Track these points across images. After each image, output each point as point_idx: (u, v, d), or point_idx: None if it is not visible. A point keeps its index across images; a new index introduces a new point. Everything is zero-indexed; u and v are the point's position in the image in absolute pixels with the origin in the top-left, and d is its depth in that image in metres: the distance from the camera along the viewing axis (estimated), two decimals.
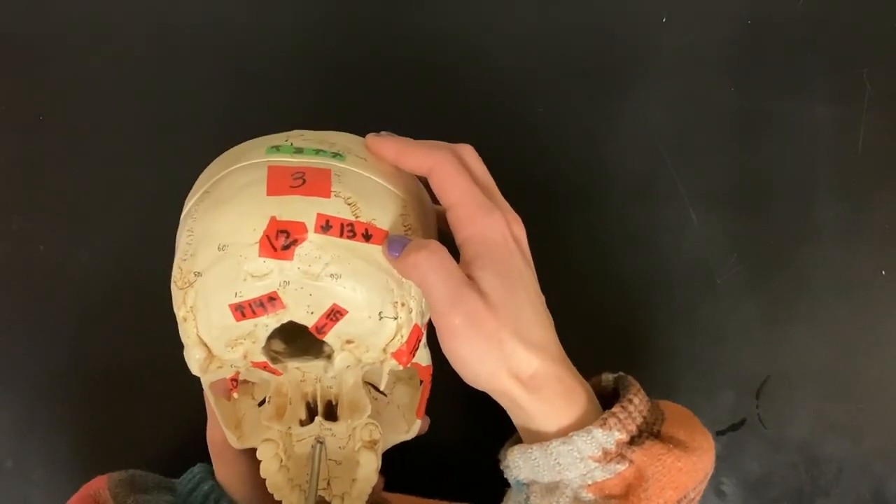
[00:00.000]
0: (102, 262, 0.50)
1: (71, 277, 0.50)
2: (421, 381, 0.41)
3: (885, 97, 0.53)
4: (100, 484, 0.39)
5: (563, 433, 0.34)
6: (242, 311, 0.34)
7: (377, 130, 0.38)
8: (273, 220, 0.33)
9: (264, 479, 0.38)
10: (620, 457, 0.33)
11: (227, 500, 0.39)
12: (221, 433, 0.39)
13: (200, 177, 0.38)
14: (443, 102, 0.52)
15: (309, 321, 0.34)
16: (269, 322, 0.34)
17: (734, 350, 0.52)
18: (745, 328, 0.52)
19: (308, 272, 0.33)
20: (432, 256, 0.33)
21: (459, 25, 0.52)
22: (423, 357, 0.38)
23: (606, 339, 0.52)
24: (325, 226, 0.33)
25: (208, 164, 0.38)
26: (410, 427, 0.40)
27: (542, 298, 0.36)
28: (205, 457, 0.42)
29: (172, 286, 0.35)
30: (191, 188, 0.38)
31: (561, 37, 0.53)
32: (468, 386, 0.35)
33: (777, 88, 0.53)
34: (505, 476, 0.37)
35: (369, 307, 0.34)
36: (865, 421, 0.53)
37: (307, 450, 0.38)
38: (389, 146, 0.36)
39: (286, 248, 0.33)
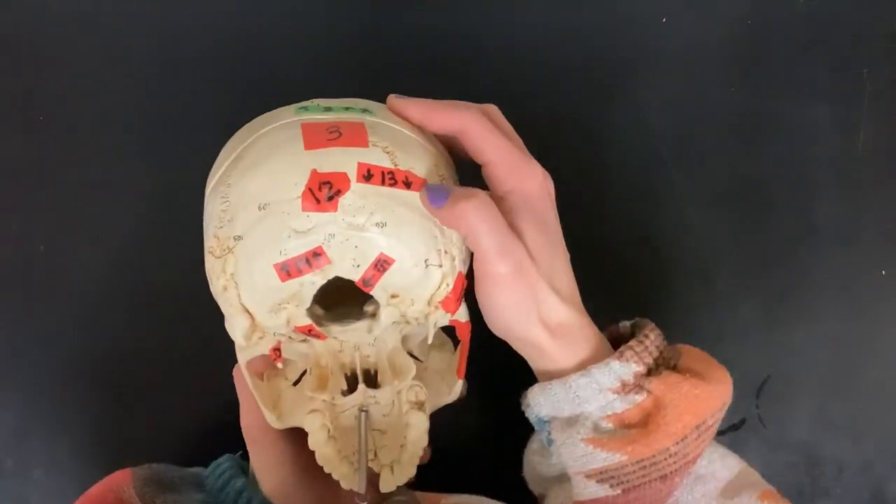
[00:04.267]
0: (102, 261, 0.50)
1: (71, 277, 0.50)
2: (458, 342, 0.39)
3: (885, 97, 0.53)
4: (123, 480, 0.38)
5: (582, 368, 0.35)
6: (288, 270, 0.33)
7: None
8: (314, 172, 0.32)
9: (305, 461, 0.36)
10: (638, 388, 0.34)
11: (259, 497, 0.38)
12: (257, 418, 0.38)
13: (224, 150, 0.37)
14: None
15: (355, 275, 0.33)
16: (315, 280, 0.33)
17: (734, 350, 0.52)
18: (745, 328, 0.52)
19: (353, 223, 0.33)
20: (482, 206, 0.33)
21: (459, 25, 0.52)
22: (462, 313, 0.38)
23: None
24: (367, 174, 0.33)
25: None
26: (452, 389, 0.39)
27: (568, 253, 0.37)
28: (206, 457, 0.42)
29: (208, 258, 0.34)
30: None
31: (561, 37, 0.52)
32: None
33: (777, 88, 0.53)
34: (527, 416, 0.38)
35: (415, 255, 0.34)
36: (865, 421, 0.53)
37: (351, 421, 0.37)
38: (414, 107, 0.36)
39: (330, 199, 0.32)
